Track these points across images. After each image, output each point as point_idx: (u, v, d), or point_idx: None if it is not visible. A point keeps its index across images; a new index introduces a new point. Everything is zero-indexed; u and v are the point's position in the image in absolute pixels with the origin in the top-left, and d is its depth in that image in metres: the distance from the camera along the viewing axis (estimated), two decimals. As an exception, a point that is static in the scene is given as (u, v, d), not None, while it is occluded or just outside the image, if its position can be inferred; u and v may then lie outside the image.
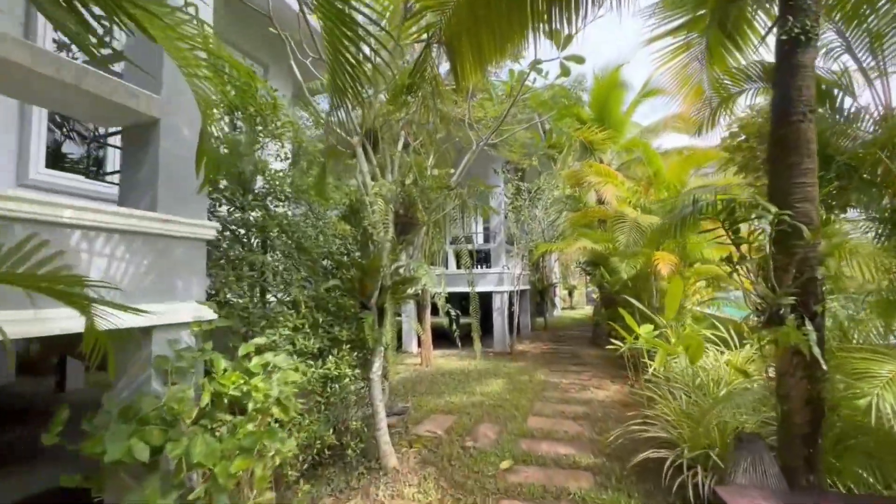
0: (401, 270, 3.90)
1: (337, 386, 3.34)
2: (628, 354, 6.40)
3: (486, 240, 11.06)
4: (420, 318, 8.15)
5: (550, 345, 10.46)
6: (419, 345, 8.60)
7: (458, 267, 11.75)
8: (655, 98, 10.00)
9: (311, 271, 3.33)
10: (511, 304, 9.70)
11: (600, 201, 8.85)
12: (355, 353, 3.52)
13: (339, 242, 3.67)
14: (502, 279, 9.53)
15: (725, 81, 3.87)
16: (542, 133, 9.76)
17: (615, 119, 9.89)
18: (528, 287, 12.60)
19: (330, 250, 3.51)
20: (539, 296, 14.24)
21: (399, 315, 10.56)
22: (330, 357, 3.28)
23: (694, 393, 3.95)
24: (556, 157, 10.20)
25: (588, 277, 23.15)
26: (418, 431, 4.53)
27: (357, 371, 3.54)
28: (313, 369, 3.06)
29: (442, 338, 11.75)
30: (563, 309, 21.84)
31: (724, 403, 3.43)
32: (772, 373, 3.51)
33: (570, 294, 23.09)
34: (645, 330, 5.48)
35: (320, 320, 3.18)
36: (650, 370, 5.36)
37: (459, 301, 13.13)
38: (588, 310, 21.00)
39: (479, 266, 11.32)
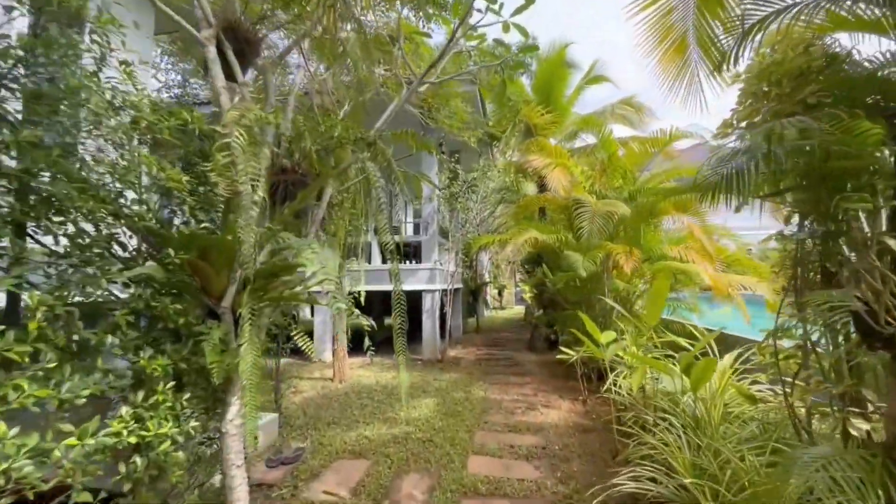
0: (284, 256, 2.45)
1: (145, 459, 1.83)
2: (580, 363, 5.47)
3: (417, 231, 9.74)
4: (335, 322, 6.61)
5: (485, 349, 9.42)
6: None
7: (384, 261, 10.35)
8: (602, 87, 9.36)
9: (78, 247, 1.78)
10: (443, 304, 8.49)
11: (542, 187, 7.93)
12: (188, 395, 2.02)
13: (157, 201, 2.13)
14: (434, 276, 8.28)
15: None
16: (480, 107, 8.68)
17: (559, 105, 9.09)
18: (461, 286, 11.50)
19: (136, 212, 1.96)
20: (472, 295, 13.24)
21: (312, 316, 8.90)
22: (125, 409, 1.76)
23: (693, 430, 2.95)
24: (495, 142, 9.16)
25: (518, 276, 22.81)
26: (313, 495, 3.10)
27: (193, 424, 2.04)
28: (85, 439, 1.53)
29: (362, 343, 10.17)
30: (494, 308, 21.23)
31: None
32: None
33: (500, 294, 22.58)
34: (608, 338, 4.52)
35: (94, 341, 1.65)
36: (609, 384, 4.41)
37: (385, 301, 11.69)
38: (518, 310, 20.56)
39: (407, 261, 9.98)
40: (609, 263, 5.95)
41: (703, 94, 4.05)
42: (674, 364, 3.43)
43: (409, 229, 10.61)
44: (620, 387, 4.40)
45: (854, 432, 2.20)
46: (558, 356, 5.37)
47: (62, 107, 1.82)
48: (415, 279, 8.32)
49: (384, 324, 11.99)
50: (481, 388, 6.07)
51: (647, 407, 3.66)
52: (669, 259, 5.40)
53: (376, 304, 11.43)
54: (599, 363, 5.72)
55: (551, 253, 7.47)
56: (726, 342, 4.42)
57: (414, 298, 9.62)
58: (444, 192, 8.31)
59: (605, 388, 5.07)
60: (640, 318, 5.87)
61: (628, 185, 5.96)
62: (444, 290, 8.48)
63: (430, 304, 8.25)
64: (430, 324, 8.23)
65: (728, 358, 3.60)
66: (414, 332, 9.20)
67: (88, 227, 1.94)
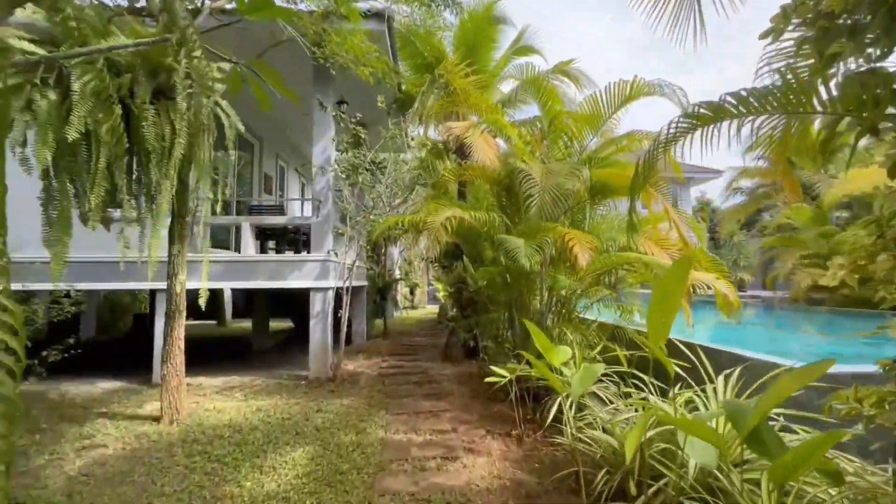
0: None
1: None
2: (515, 381, 4.12)
3: (316, 211, 7.73)
4: (169, 331, 4.47)
5: (393, 359, 7.76)
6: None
7: (263, 250, 8.20)
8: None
9: None
10: (339, 305, 6.66)
11: (462, 154, 6.48)
12: None
13: None
14: (326, 270, 6.43)
15: None
16: (391, 54, 7.01)
17: (485, 71, 7.74)
18: (365, 283, 9.71)
19: None
20: (379, 294, 11.48)
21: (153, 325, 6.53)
22: None
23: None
24: (407, 113, 7.54)
25: (432, 274, 21.49)
26: None
27: None
28: None
29: (232, 357, 7.93)
30: (405, 308, 19.64)
31: None
32: None
33: (412, 292, 21.07)
34: (561, 356, 3.18)
35: None
36: (561, 416, 3.10)
37: (274, 301, 9.46)
38: (431, 309, 19.22)
39: (293, 250, 7.95)
40: (547, 255, 4.68)
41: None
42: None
43: (297, 209, 8.53)
44: (572, 425, 3.07)
45: None
46: (488, 379, 3.94)
47: None
48: (300, 274, 6.39)
49: (269, 329, 9.73)
50: (381, 422, 4.42)
51: (640, 469, 2.32)
52: (629, 250, 4.25)
53: (260, 304, 9.17)
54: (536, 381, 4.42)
55: (474, 243, 6.05)
56: (735, 365, 3.30)
57: (300, 298, 7.64)
58: (341, 162, 6.48)
59: (544, 413, 3.76)
60: (580, 326, 4.68)
61: (575, 155, 4.74)
62: (342, 288, 6.67)
63: (320, 306, 6.39)
64: (319, 331, 6.36)
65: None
66: (300, 342, 7.22)
67: None
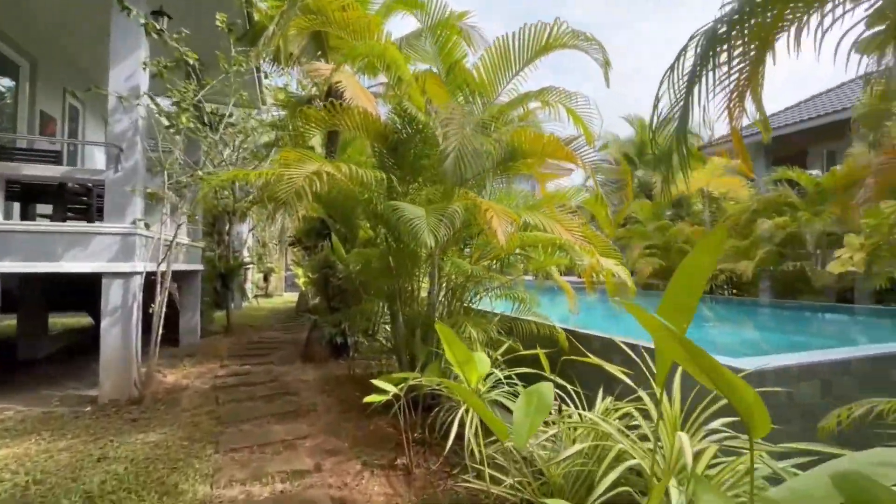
0: None
1: None
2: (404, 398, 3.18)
3: (114, 164, 5.46)
4: None
5: (234, 364, 6.10)
6: None
7: (26, 216, 5.70)
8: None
9: None
10: (150, 298, 4.79)
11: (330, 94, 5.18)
12: None
13: None
14: (130, 248, 4.53)
15: None
16: None
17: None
18: (199, 267, 7.64)
19: None
20: (220, 280, 9.33)
21: None
22: None
23: None
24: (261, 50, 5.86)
25: (291, 257, 19.13)
26: None
27: None
28: None
29: None
30: (257, 296, 17.07)
31: None
32: None
33: (266, 278, 18.48)
34: (481, 368, 2.33)
35: None
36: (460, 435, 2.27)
37: (49, 289, 6.72)
38: (289, 298, 17.07)
39: (84, 219, 5.62)
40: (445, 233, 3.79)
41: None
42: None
43: (84, 158, 6.12)
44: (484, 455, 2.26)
45: None
46: (368, 398, 2.90)
47: None
48: (86, 252, 4.38)
49: (49, 329, 6.92)
50: (206, 469, 3.02)
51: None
52: (537, 230, 3.59)
53: (30, 293, 6.43)
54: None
55: (347, 216, 4.85)
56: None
57: (88, 286, 5.49)
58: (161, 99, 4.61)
59: (443, 430, 2.92)
60: (480, 320, 3.94)
61: (476, 114, 3.91)
62: (155, 274, 4.80)
63: (119, 298, 4.48)
64: (118, 334, 4.47)
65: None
66: (91, 349, 5.11)
67: None
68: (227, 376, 5.51)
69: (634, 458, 1.96)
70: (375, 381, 3.07)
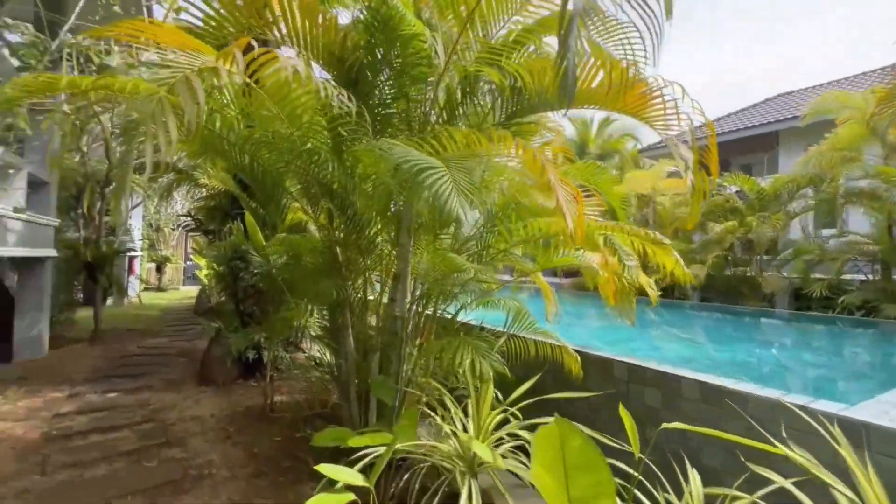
0: None
1: None
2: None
3: None
4: None
5: (92, 391, 4.29)
6: None
7: None
8: None
9: None
10: None
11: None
12: None
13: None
14: None
15: None
16: None
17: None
18: (49, 253, 5.54)
19: None
20: (87, 272, 7.11)
21: None
22: None
23: None
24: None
25: (192, 245, 16.29)
26: None
27: None
28: None
29: None
30: (146, 289, 14.23)
31: None
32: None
33: (161, 269, 15.56)
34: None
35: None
36: None
37: None
38: (189, 292, 14.45)
39: None
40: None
41: None
42: None
43: None
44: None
45: None
46: (321, 468, 1.61)
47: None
48: None
49: None
50: None
51: None
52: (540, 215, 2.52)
53: None
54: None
55: (271, 186, 3.37)
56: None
57: None
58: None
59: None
60: (479, 343, 2.78)
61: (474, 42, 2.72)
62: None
63: None
64: None
65: None
66: None
67: None
68: (74, 414, 3.76)
69: None
70: (317, 445, 1.80)
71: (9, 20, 3.44)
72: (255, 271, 4.57)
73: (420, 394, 2.91)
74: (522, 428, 2.27)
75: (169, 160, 4.72)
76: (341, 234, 2.84)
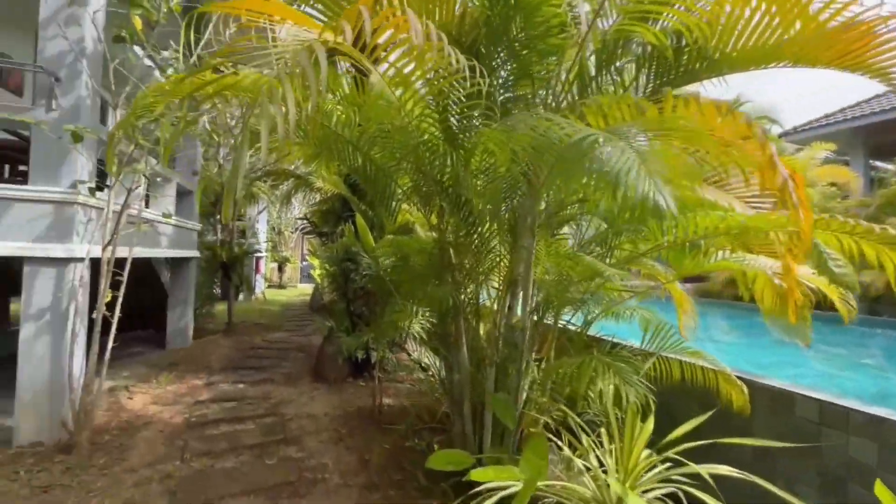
0: None
1: None
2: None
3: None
4: None
5: (224, 381, 4.69)
6: None
7: None
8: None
9: None
10: (95, 296, 3.34)
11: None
12: None
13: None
14: (68, 222, 3.12)
15: None
16: None
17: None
18: (194, 254, 6.26)
19: None
20: (223, 271, 7.98)
21: None
22: None
23: None
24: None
25: (307, 247, 17.80)
26: None
27: None
28: None
29: None
30: (270, 287, 15.84)
31: None
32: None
33: (282, 268, 17.24)
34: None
35: None
36: None
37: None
38: (304, 289, 15.78)
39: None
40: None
41: None
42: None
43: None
44: None
45: None
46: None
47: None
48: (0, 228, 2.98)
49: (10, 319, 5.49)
50: None
51: None
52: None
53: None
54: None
55: (383, 183, 3.29)
56: None
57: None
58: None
59: None
60: (618, 363, 2.34)
61: None
62: (107, 262, 3.36)
63: (48, 297, 3.07)
64: (43, 350, 3.06)
65: None
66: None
67: None
68: (210, 402, 4.09)
69: None
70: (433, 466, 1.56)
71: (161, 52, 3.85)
72: (364, 273, 4.61)
73: (539, 416, 2.58)
74: (682, 475, 1.81)
75: (288, 167, 4.96)
76: (451, 236, 2.61)
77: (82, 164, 3.18)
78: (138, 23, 2.87)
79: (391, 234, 4.06)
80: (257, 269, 13.27)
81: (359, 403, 4.23)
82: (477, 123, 2.13)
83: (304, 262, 19.13)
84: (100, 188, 3.36)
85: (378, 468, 2.91)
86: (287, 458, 3.02)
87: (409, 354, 5.61)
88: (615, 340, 2.71)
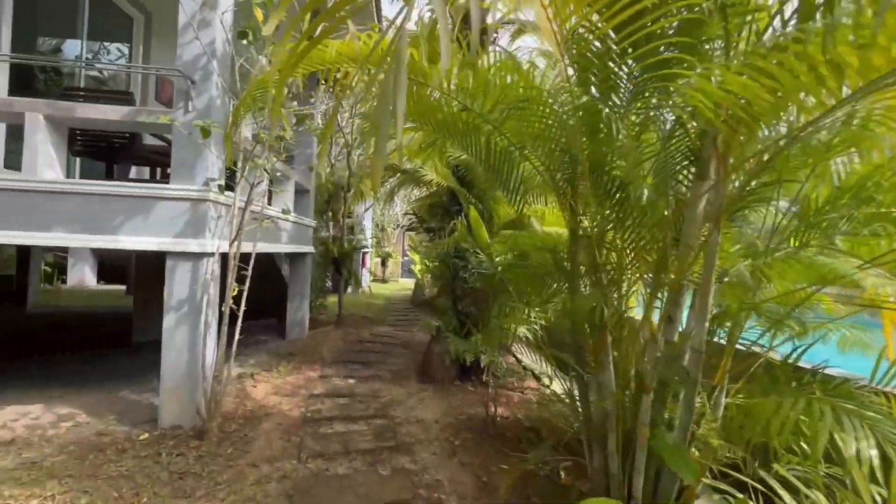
0: None
1: None
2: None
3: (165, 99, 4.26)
4: None
5: (336, 375, 4.74)
6: None
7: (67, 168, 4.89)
8: None
9: None
10: (224, 286, 3.46)
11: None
12: None
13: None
14: (201, 219, 3.26)
15: None
16: None
17: None
18: (310, 249, 6.53)
19: None
20: (334, 266, 8.34)
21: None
22: None
23: None
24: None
25: (408, 243, 18.30)
26: None
27: None
28: None
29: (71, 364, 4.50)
30: (374, 280, 16.55)
31: None
32: None
33: (384, 263, 17.93)
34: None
35: None
36: None
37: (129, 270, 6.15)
38: (405, 284, 16.20)
39: (164, 180, 4.65)
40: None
41: None
42: None
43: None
44: None
45: None
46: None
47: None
48: (147, 225, 3.21)
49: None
50: None
51: None
52: None
53: (141, 268, 5.88)
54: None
55: (507, 167, 2.91)
56: None
57: (147, 268, 4.51)
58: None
59: None
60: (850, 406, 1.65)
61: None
62: (234, 257, 3.47)
63: (185, 289, 3.24)
64: (182, 338, 3.24)
65: None
66: (147, 350, 3.97)
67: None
68: (324, 396, 4.11)
69: None
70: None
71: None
72: (474, 270, 4.29)
73: (707, 462, 2.00)
74: None
75: (397, 163, 4.73)
76: (596, 230, 2.13)
77: (212, 162, 3.31)
78: (260, 14, 2.85)
79: (504, 230, 3.67)
80: (363, 264, 13.87)
81: (469, 411, 3.93)
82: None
83: (404, 258, 19.73)
84: (228, 187, 3.48)
85: (496, 492, 2.56)
86: (400, 469, 2.82)
87: (518, 359, 5.22)
88: (827, 371, 2.00)
